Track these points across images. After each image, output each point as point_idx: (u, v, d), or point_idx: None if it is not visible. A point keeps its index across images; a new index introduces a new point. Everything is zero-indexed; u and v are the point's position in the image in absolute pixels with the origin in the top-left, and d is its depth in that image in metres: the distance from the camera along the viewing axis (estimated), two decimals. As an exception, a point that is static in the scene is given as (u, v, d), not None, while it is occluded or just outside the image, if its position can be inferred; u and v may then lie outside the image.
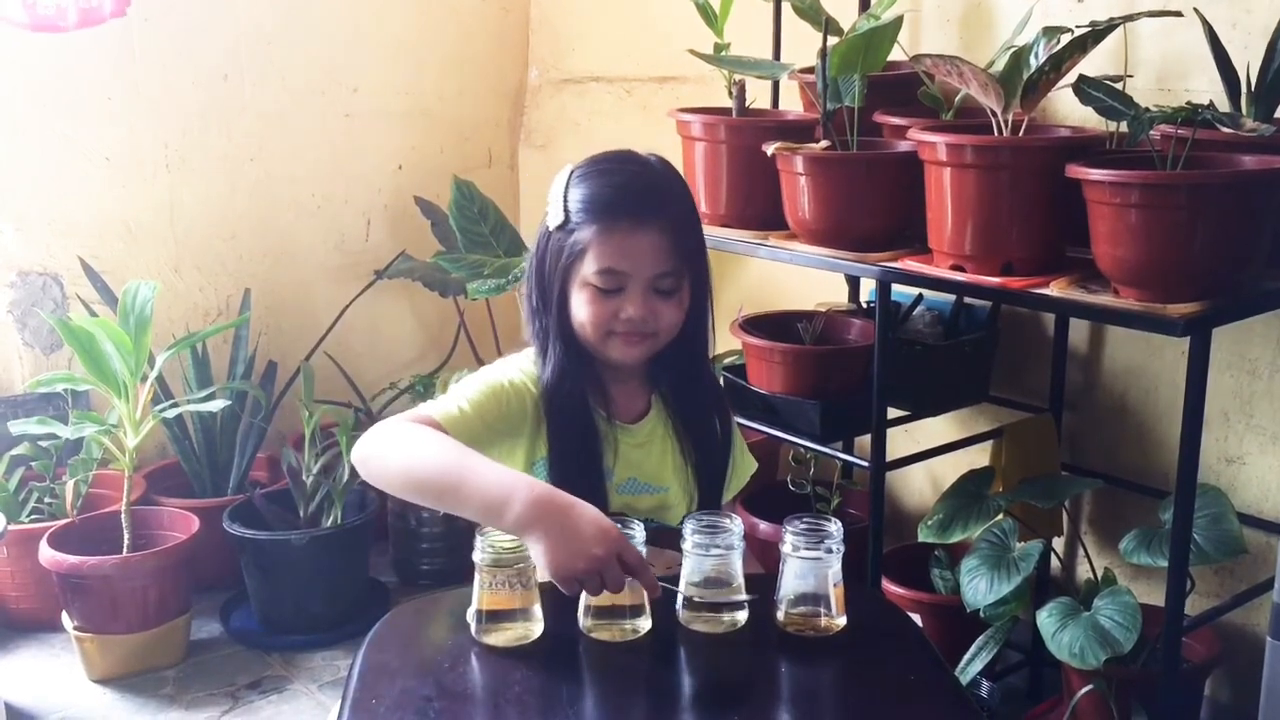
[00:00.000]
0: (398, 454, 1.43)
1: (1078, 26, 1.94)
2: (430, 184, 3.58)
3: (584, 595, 1.34)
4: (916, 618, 2.31)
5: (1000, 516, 2.26)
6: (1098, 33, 1.91)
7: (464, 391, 1.53)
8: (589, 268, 1.51)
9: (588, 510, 1.31)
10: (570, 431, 1.56)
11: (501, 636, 1.33)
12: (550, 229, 1.55)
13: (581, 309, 1.54)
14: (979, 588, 2.17)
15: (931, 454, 2.43)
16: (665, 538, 1.52)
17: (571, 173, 1.56)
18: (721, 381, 2.48)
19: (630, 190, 1.53)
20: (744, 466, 1.75)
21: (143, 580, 2.73)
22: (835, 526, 1.36)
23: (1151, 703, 2.04)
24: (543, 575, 1.31)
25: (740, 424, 1.92)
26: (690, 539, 1.35)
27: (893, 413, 2.32)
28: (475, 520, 1.36)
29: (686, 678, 1.34)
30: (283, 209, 3.43)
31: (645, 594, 1.33)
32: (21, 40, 2.96)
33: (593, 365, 1.58)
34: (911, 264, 2.12)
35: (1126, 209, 1.79)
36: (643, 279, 1.51)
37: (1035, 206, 1.97)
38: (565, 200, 1.53)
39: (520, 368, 1.59)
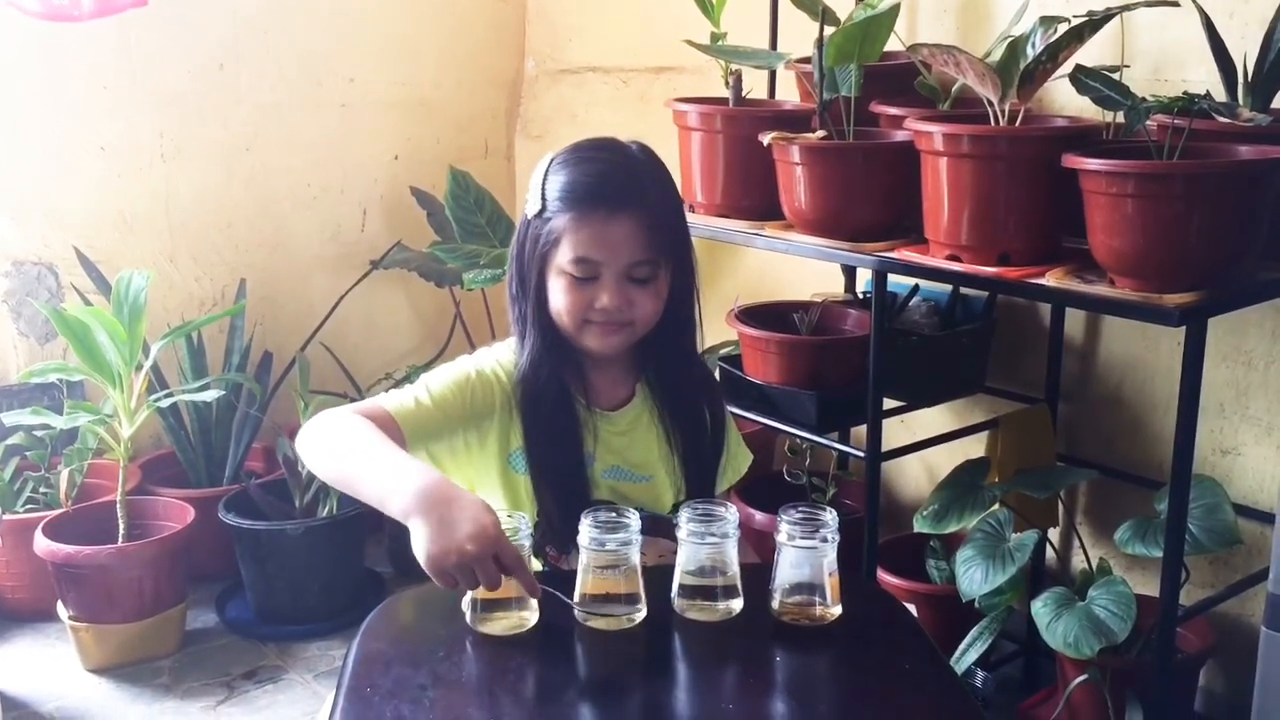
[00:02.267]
0: (321, 444, 1.46)
1: (1075, 16, 1.93)
2: (426, 174, 3.58)
3: (578, 583, 1.34)
4: (912, 608, 2.32)
5: (996, 507, 2.26)
6: (1095, 22, 1.91)
7: (427, 381, 1.55)
8: (564, 256, 1.51)
9: (471, 505, 1.30)
10: (545, 418, 1.56)
11: (497, 625, 1.33)
12: (529, 216, 1.56)
13: (558, 297, 1.54)
14: (974, 578, 2.17)
15: (927, 444, 2.43)
16: (659, 526, 1.52)
17: (551, 160, 1.56)
18: (717, 373, 2.48)
19: (605, 178, 1.53)
20: (740, 458, 1.75)
21: (138, 570, 2.73)
22: (830, 515, 1.35)
23: (1146, 693, 2.04)
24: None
25: (736, 414, 1.92)
26: (685, 527, 1.35)
27: (889, 403, 2.32)
28: (374, 505, 1.38)
29: (681, 666, 1.34)
30: (279, 199, 3.43)
31: (640, 583, 1.33)
32: (17, 30, 2.95)
33: (572, 352, 1.58)
34: (908, 254, 2.12)
35: (1123, 199, 1.79)
36: (617, 268, 1.51)
37: (1032, 197, 1.97)
38: (543, 188, 1.54)
39: (496, 358, 1.60)
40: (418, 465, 1.37)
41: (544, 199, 1.53)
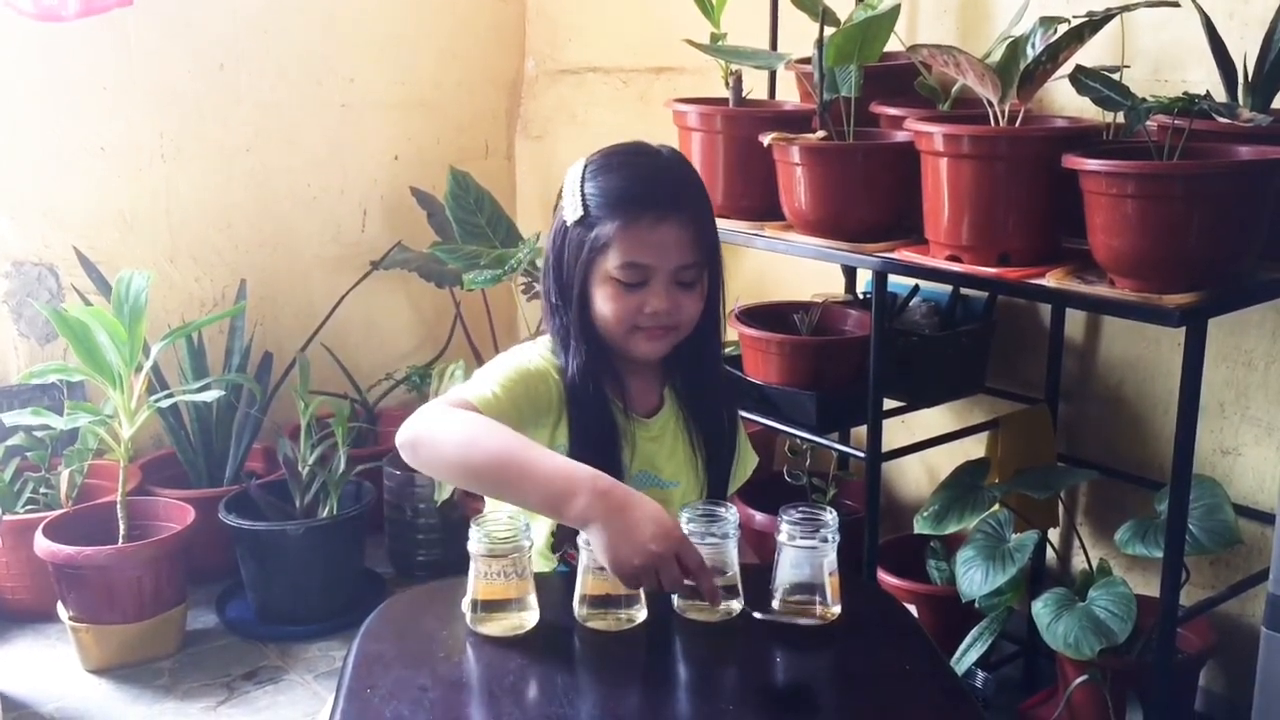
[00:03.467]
0: (453, 440, 1.40)
1: (1075, 17, 1.93)
2: (426, 175, 3.58)
3: (578, 584, 1.34)
4: (912, 608, 2.32)
5: (996, 507, 2.26)
6: (1095, 23, 1.91)
7: (494, 375, 1.51)
8: (612, 262, 1.50)
9: (650, 506, 1.30)
10: (591, 425, 1.55)
11: (497, 626, 1.33)
12: (568, 224, 1.54)
13: (605, 304, 1.52)
14: (974, 578, 2.17)
15: (927, 445, 2.43)
16: None
17: (586, 166, 1.54)
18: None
19: (652, 182, 1.52)
20: (747, 461, 1.75)
21: (138, 571, 2.73)
22: (830, 515, 1.36)
23: (1146, 693, 2.04)
24: (606, 569, 1.30)
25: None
26: (686, 527, 1.35)
27: (889, 404, 2.32)
28: (533, 510, 1.37)
29: (681, 666, 1.34)
30: (279, 199, 3.43)
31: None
32: (18, 30, 2.95)
33: (611, 359, 1.58)
34: (908, 255, 2.12)
35: (1123, 199, 1.79)
36: (666, 271, 1.51)
37: (1032, 197, 1.97)
38: (583, 194, 1.52)
39: (541, 354, 1.58)
40: (582, 466, 1.35)
41: (586, 205, 1.52)
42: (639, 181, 1.52)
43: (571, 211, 1.53)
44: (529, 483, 1.34)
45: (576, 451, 1.54)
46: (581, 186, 1.53)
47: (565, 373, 1.55)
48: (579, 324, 1.54)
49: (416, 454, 1.42)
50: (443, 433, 1.41)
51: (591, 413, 1.55)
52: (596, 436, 1.55)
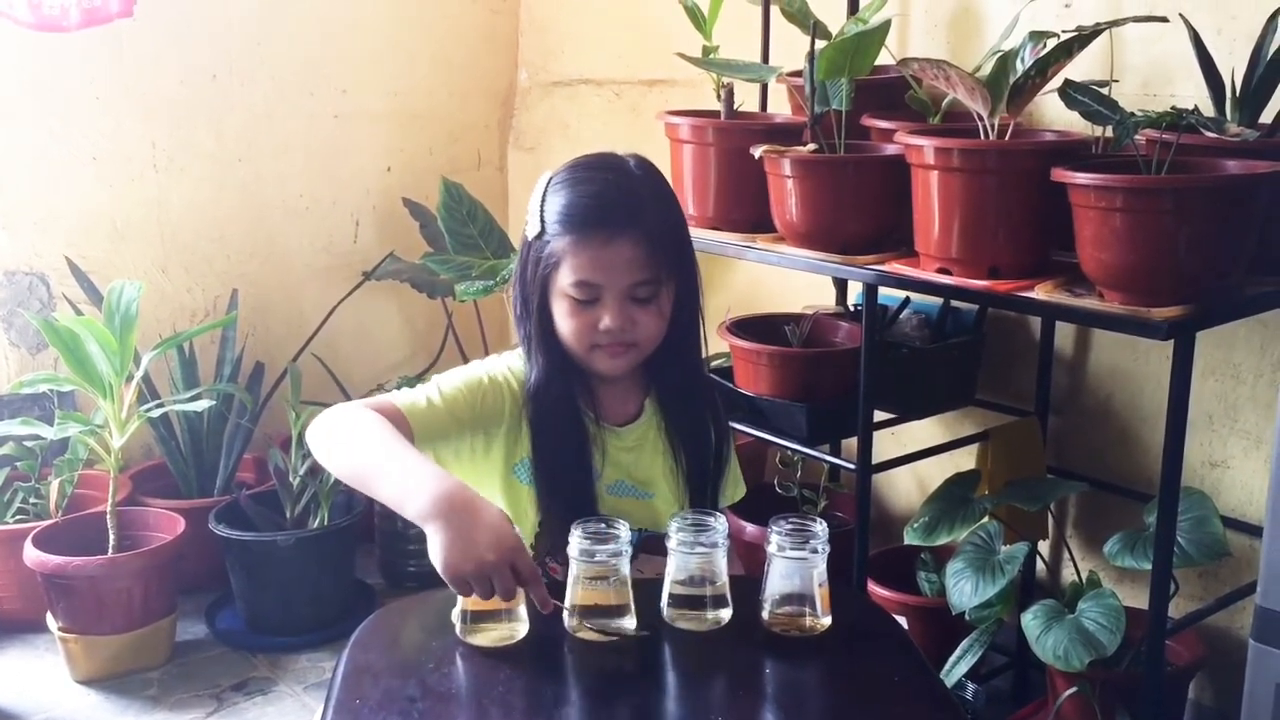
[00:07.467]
0: (337, 438, 1.46)
1: (1064, 31, 1.94)
2: (419, 185, 3.58)
3: (568, 595, 1.34)
4: (902, 620, 2.32)
5: (986, 519, 2.26)
6: (1084, 38, 1.92)
7: (440, 383, 1.55)
8: (565, 279, 1.51)
9: (489, 513, 1.31)
10: (554, 434, 1.56)
11: (486, 637, 1.33)
12: (529, 238, 1.55)
13: (562, 321, 1.54)
14: (964, 590, 2.18)
15: (918, 456, 2.43)
16: (658, 545, 1.51)
17: (550, 180, 1.55)
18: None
19: (603, 200, 1.52)
20: (735, 487, 1.75)
21: (128, 581, 2.72)
22: (820, 526, 1.36)
23: (1135, 705, 2.05)
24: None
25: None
26: (675, 536, 1.35)
27: (879, 415, 2.32)
28: (388, 505, 1.38)
29: (671, 677, 1.34)
30: (271, 209, 3.43)
31: (629, 594, 1.34)
32: (11, 38, 2.95)
33: (580, 369, 1.58)
34: (898, 267, 2.13)
35: (1111, 213, 1.80)
36: (618, 290, 1.51)
37: (1021, 210, 1.98)
38: (542, 210, 1.53)
39: (508, 365, 1.60)
40: (436, 469, 1.37)
41: (543, 221, 1.53)
42: (591, 198, 1.52)
43: (532, 227, 1.55)
44: (382, 480, 1.38)
45: (540, 459, 1.55)
46: (542, 202, 1.54)
47: (528, 383, 1.57)
48: (539, 335, 1.56)
49: (314, 449, 1.48)
50: (332, 432, 1.47)
51: (552, 422, 1.56)
52: (560, 445, 1.56)
